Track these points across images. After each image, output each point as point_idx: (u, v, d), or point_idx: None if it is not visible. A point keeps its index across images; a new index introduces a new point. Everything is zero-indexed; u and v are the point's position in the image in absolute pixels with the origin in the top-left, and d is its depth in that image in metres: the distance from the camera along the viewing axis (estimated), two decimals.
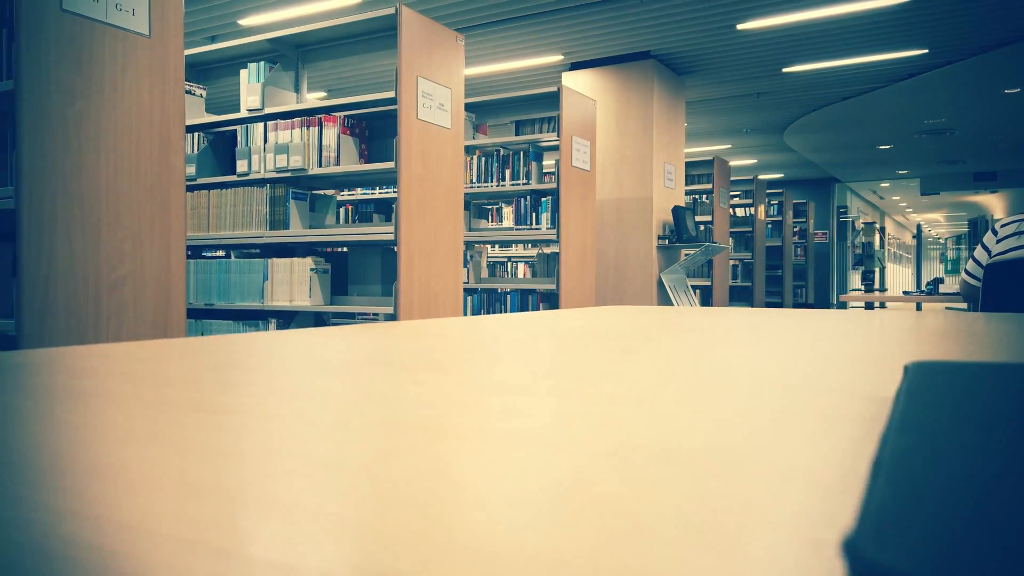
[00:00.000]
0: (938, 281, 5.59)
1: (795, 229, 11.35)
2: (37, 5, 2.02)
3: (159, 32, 2.33)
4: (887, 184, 15.06)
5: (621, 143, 6.19)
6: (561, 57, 6.32)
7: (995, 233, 2.45)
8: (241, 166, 3.82)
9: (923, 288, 15.63)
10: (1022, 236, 2.34)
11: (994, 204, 18.45)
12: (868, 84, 7.21)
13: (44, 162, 2.03)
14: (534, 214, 4.94)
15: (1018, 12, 5.15)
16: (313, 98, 4.60)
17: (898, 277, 24.46)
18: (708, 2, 5.04)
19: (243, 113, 3.85)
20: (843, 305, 14.23)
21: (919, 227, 23.65)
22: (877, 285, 14.62)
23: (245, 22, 5.53)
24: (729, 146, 10.74)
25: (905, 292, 2.86)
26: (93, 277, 2.15)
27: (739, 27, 5.45)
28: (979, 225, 22.29)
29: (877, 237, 16.73)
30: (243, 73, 3.88)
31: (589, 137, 5.10)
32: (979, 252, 2.49)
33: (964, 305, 3.81)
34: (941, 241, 29.50)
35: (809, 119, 8.70)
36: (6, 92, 2.05)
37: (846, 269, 14.91)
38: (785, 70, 6.61)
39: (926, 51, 6.09)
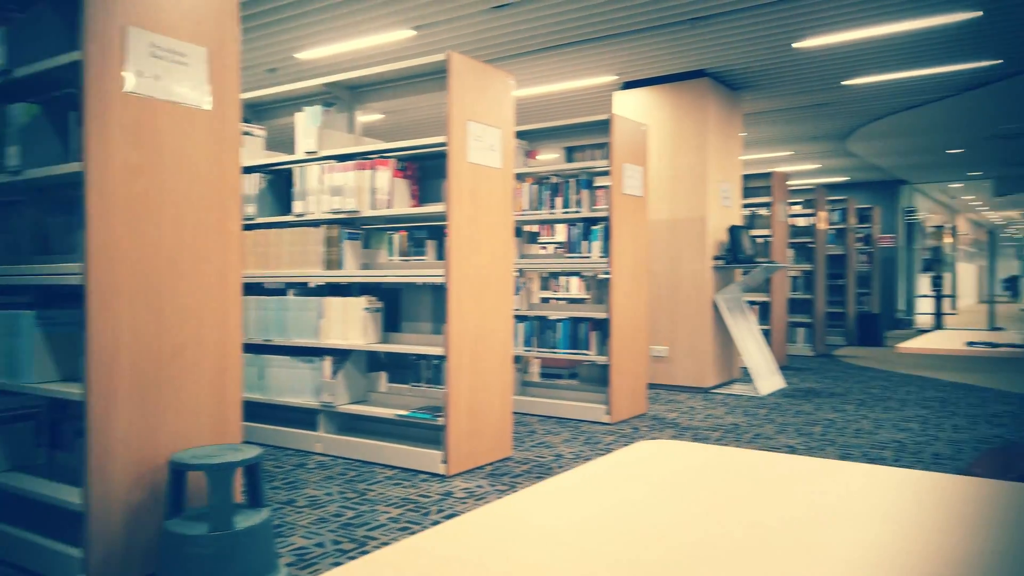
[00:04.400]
0: (1014, 279, 5.34)
1: (859, 235, 11.00)
2: (103, 89, 2.12)
3: (219, 104, 2.42)
4: (958, 185, 14.46)
5: (675, 163, 6.12)
6: (615, 78, 6.28)
7: None
8: (297, 207, 3.92)
9: (995, 294, 14.82)
10: None
11: None
12: (936, 94, 6.94)
13: (110, 238, 2.13)
14: (585, 242, 4.93)
15: None
16: (367, 137, 4.70)
17: (971, 278, 23.46)
18: (762, 23, 4.93)
19: (299, 155, 3.96)
20: (908, 324, 13.73)
21: (991, 232, 22.60)
22: (947, 291, 14.04)
23: (302, 56, 5.67)
24: (791, 152, 10.48)
25: (970, 343, 2.73)
26: (156, 344, 2.25)
27: (795, 46, 5.31)
28: None
29: (947, 239, 16.07)
30: (298, 116, 3.98)
31: (641, 162, 5.06)
32: None
33: None
34: (1016, 237, 28.12)
35: (872, 127, 8.42)
36: (75, 173, 2.16)
37: (914, 273, 14.38)
38: (845, 83, 6.42)
39: (1000, 61, 5.83)
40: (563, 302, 7.45)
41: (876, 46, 5.42)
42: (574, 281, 7.76)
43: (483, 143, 3.60)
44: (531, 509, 0.57)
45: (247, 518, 2.07)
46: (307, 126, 3.95)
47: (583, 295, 7.57)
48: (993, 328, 10.71)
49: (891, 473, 0.85)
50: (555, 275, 7.84)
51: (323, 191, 3.83)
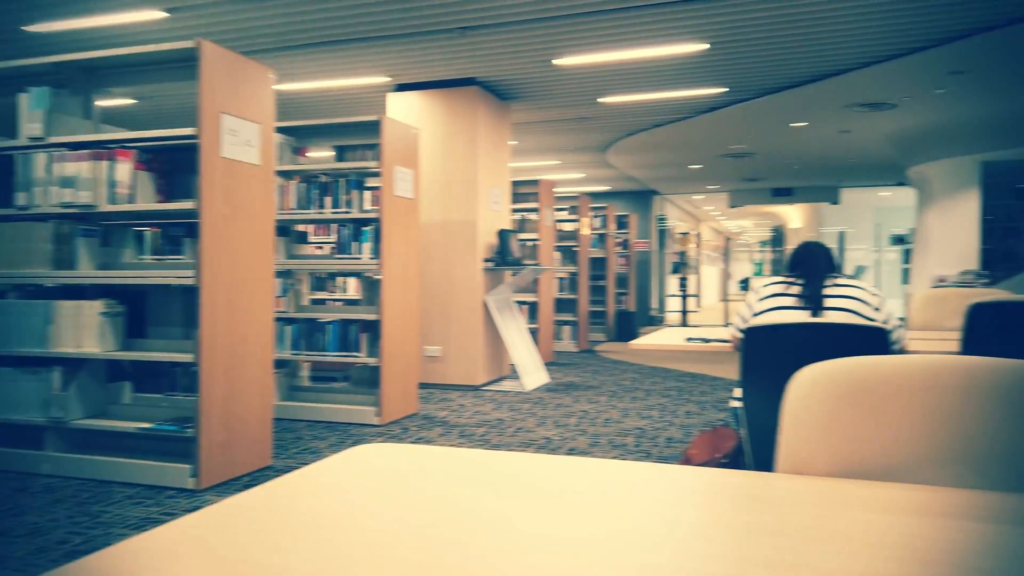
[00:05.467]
0: (747, 280, 6.15)
1: (619, 240, 11.99)
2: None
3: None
4: (700, 196, 16.28)
5: (447, 167, 6.26)
6: (388, 79, 6.29)
7: (756, 293, 2.74)
8: (20, 199, 3.47)
9: (730, 294, 16.93)
10: (778, 298, 2.63)
11: (792, 213, 20.50)
12: (677, 115, 7.77)
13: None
14: (356, 243, 4.88)
15: (797, 62, 5.76)
16: (107, 125, 4.30)
17: (714, 279, 26.51)
18: (525, 38, 5.21)
19: (22, 141, 3.51)
20: (660, 321, 15.21)
21: (728, 239, 25.74)
22: (693, 291, 15.76)
23: (32, 28, 5.03)
24: (559, 162, 11.15)
25: (689, 339, 3.14)
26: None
27: (554, 62, 5.68)
28: (780, 232, 24.40)
29: (692, 244, 18.03)
30: (23, 98, 3.53)
31: (412, 165, 5.12)
32: (744, 309, 2.76)
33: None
34: (750, 244, 32.31)
35: (627, 142, 9.22)
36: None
37: (665, 275, 15.96)
38: (600, 100, 6.97)
39: (727, 89, 6.65)
40: (340, 303, 7.32)
41: (625, 69, 5.95)
42: (352, 282, 7.65)
43: (239, 138, 3.43)
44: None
45: None
46: (32, 109, 3.51)
47: (352, 309, 7.49)
48: (727, 324, 12.18)
49: (599, 464, 0.95)
50: (332, 276, 7.67)
51: (52, 182, 3.42)
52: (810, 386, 1.03)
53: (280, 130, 5.02)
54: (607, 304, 10.90)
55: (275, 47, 5.51)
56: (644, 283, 14.32)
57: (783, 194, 14.22)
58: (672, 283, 16.03)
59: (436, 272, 6.24)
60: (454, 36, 5.20)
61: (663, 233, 15.91)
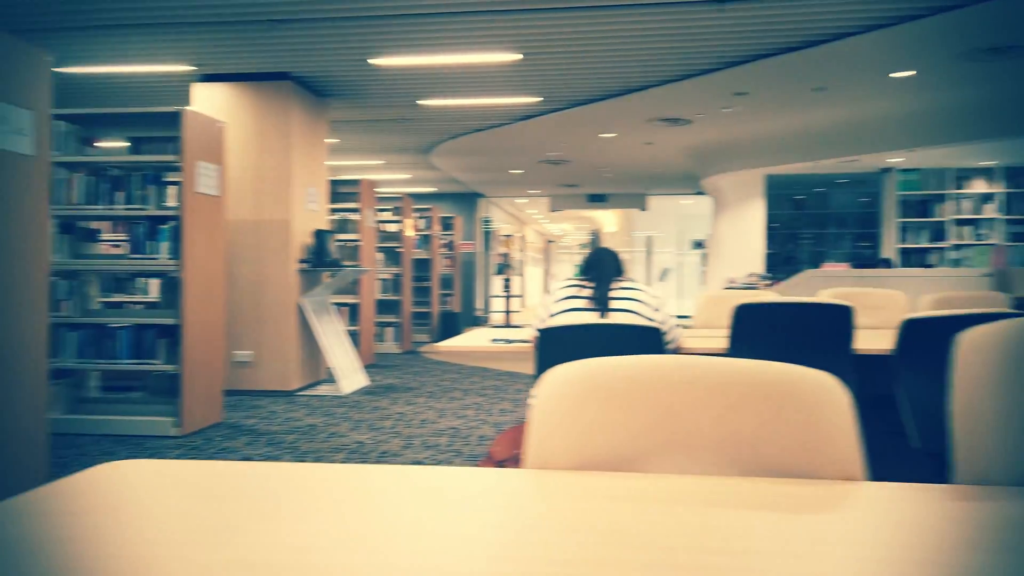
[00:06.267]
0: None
1: (444, 241, 12.08)
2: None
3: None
4: (524, 200, 16.79)
5: (259, 163, 6.00)
6: (192, 68, 5.92)
7: (553, 295, 2.88)
8: None
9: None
10: (571, 300, 2.78)
11: (608, 217, 21.69)
12: (497, 120, 7.97)
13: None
14: (152, 241, 4.56)
15: (604, 76, 6.12)
16: None
17: (538, 279, 27.43)
18: (339, 35, 5.12)
19: None
20: (484, 320, 15.51)
21: (550, 241, 26.73)
22: (516, 291, 16.22)
23: None
24: (383, 162, 11.05)
25: (494, 340, 3.26)
26: None
27: (371, 61, 5.63)
28: (597, 235, 25.63)
29: (516, 246, 18.57)
30: None
31: (217, 160, 4.86)
32: (541, 310, 2.90)
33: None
34: (571, 246, 33.79)
35: (449, 145, 9.32)
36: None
37: (490, 276, 16.30)
38: (420, 103, 7.00)
39: (541, 99, 6.92)
40: (141, 307, 6.78)
41: (442, 73, 6.01)
42: (155, 283, 7.10)
43: (9, 125, 3.10)
44: None
45: None
46: None
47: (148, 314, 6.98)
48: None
49: (369, 471, 0.96)
50: (132, 277, 7.09)
51: None
52: (555, 386, 1.11)
53: (65, 117, 4.57)
54: (432, 305, 10.96)
55: (63, 27, 5.01)
56: (469, 284, 14.54)
57: (598, 200, 15.01)
58: (497, 284, 16.42)
59: (247, 274, 5.96)
60: (264, 28, 5.00)
61: (488, 235, 16.25)
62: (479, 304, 15.26)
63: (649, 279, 14.47)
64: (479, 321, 14.96)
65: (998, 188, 9.66)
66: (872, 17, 4.65)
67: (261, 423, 4.87)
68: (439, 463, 3.80)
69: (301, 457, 3.98)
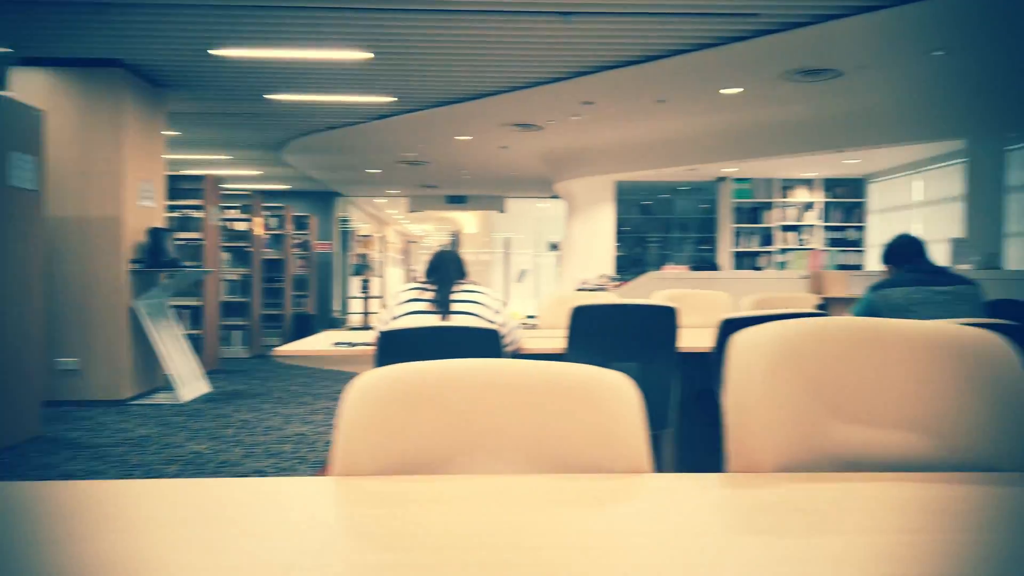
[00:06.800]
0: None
1: (298, 241, 11.71)
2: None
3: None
4: (383, 200, 16.59)
5: (86, 156, 5.56)
6: (7, 49, 5.39)
7: (396, 298, 2.88)
8: None
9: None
10: (413, 303, 2.79)
11: (468, 219, 21.85)
12: (351, 119, 7.82)
13: None
14: None
15: (458, 79, 6.17)
16: None
17: (400, 281, 27.17)
18: (176, 22, 4.84)
19: None
20: (342, 323, 15.18)
21: (411, 242, 26.64)
22: (376, 292, 15.99)
23: None
24: (231, 157, 10.54)
25: (336, 344, 3.21)
26: None
27: (211, 52, 5.36)
28: (458, 237, 25.82)
29: (376, 247, 18.31)
30: None
31: (34, 152, 4.45)
32: (384, 313, 2.89)
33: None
34: (432, 247, 33.79)
35: (303, 141, 9.05)
36: None
37: (348, 277, 15.96)
38: (268, 97, 6.75)
39: (396, 99, 6.86)
40: None
41: (291, 68, 5.83)
42: None
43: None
44: None
45: None
46: None
47: None
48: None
49: (168, 485, 0.92)
50: None
51: None
52: (362, 392, 1.11)
53: None
54: (284, 307, 10.58)
55: None
56: (326, 285, 14.17)
57: (457, 201, 15.09)
58: (356, 285, 16.10)
59: (71, 275, 5.50)
60: (93, 11, 4.64)
61: (346, 235, 15.90)
62: (337, 306, 14.91)
63: (507, 280, 14.72)
64: (337, 323, 14.60)
65: (818, 197, 10.64)
66: (703, 37, 4.99)
67: (86, 436, 4.52)
68: (282, 471, 3.69)
69: (129, 472, 3.73)
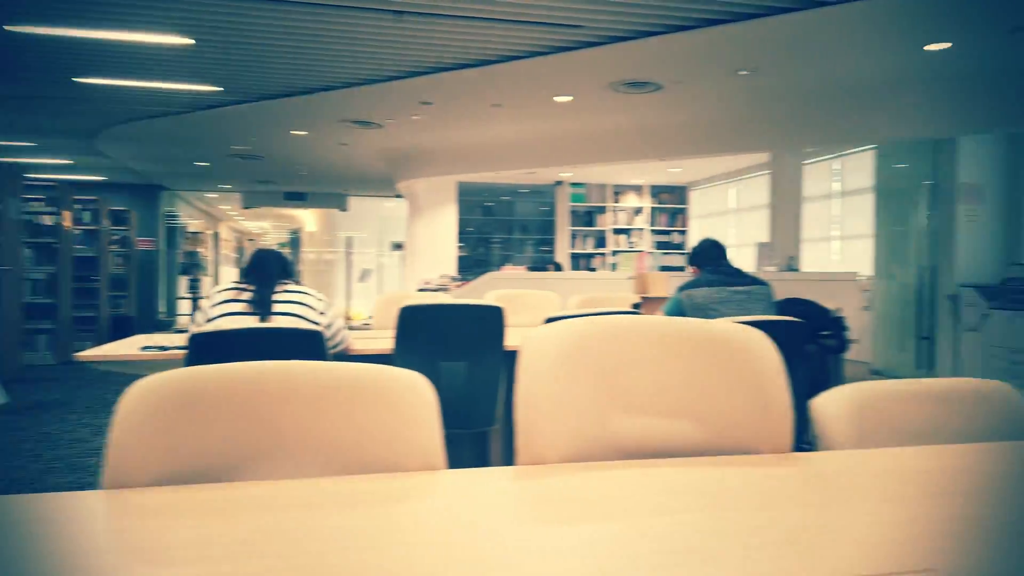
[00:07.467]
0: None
1: (116, 237, 10.83)
2: None
3: None
4: (215, 195, 15.69)
5: None
6: None
7: (211, 299, 2.74)
8: None
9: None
10: (229, 304, 2.67)
11: (308, 217, 21.15)
12: (175, 108, 7.34)
13: None
14: None
15: (291, 73, 5.96)
16: None
17: (232, 280, 25.80)
18: None
19: None
20: (170, 325, 14.21)
21: (248, 240, 25.45)
22: (206, 293, 15.10)
23: None
24: (35, 144, 9.55)
25: (145, 348, 3.00)
26: None
27: (7, 28, 4.84)
28: (298, 235, 24.96)
29: (208, 245, 17.29)
30: None
31: None
32: (199, 315, 2.74)
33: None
34: (271, 246, 32.39)
35: (121, 129, 8.37)
36: None
37: (175, 276, 14.95)
38: (78, 80, 6.19)
39: (222, 89, 6.51)
40: None
41: (102, 49, 5.37)
42: None
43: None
44: None
45: None
46: None
47: None
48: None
49: None
50: None
51: None
52: (138, 399, 1.06)
53: None
54: (100, 308, 9.74)
55: None
56: (150, 285, 13.19)
57: (296, 198, 14.59)
58: (184, 285, 15.10)
59: None
60: None
61: (173, 232, 14.89)
62: (162, 307, 13.92)
63: (350, 280, 14.41)
64: (163, 325, 13.63)
65: (646, 202, 11.29)
66: (535, 45, 5.14)
67: None
68: (89, 486, 3.40)
69: None
